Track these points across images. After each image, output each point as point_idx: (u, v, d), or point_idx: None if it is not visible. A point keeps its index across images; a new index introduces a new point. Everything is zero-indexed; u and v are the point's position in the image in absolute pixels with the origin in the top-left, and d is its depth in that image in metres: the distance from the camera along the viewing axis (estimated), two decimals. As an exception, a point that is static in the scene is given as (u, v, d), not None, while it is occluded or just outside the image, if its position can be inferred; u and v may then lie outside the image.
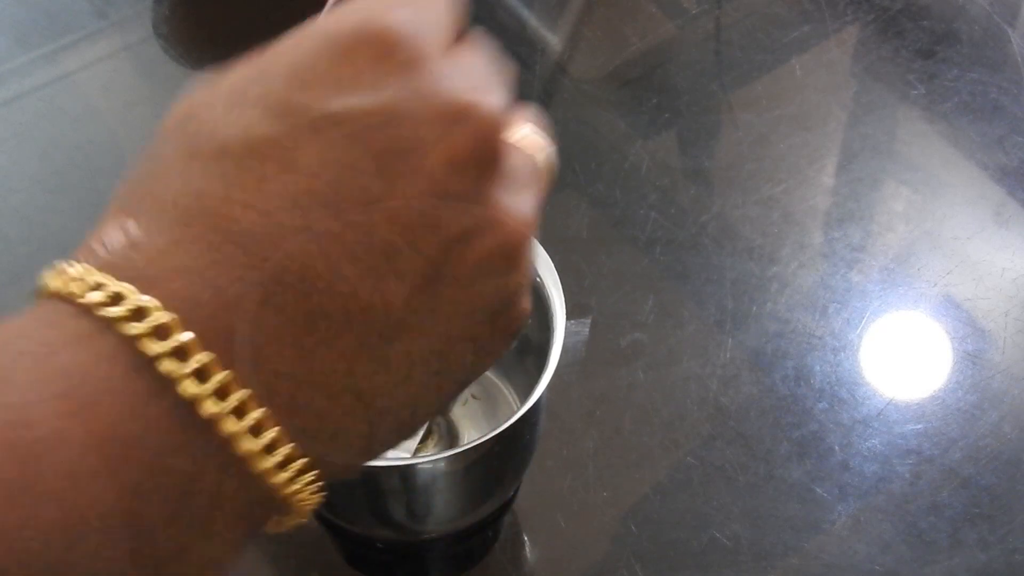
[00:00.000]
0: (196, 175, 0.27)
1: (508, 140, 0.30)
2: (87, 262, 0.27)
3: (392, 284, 0.27)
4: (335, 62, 0.28)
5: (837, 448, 0.66)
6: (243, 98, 0.28)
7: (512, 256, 0.29)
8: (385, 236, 0.27)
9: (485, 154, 0.28)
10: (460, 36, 0.31)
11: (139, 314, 0.26)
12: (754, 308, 0.73)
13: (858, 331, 0.72)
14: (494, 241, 0.29)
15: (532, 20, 0.91)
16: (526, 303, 0.31)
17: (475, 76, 0.29)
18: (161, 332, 0.25)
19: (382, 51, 0.28)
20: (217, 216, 0.27)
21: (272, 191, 0.27)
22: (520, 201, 0.30)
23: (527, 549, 0.63)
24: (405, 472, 0.53)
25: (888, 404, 0.68)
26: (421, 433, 0.60)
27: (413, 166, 0.27)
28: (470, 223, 0.28)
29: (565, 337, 0.54)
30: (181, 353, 0.26)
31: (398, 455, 0.59)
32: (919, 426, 0.67)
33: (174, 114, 0.29)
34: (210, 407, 0.26)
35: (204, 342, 0.26)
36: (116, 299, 0.26)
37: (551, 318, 0.55)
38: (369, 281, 0.27)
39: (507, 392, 0.64)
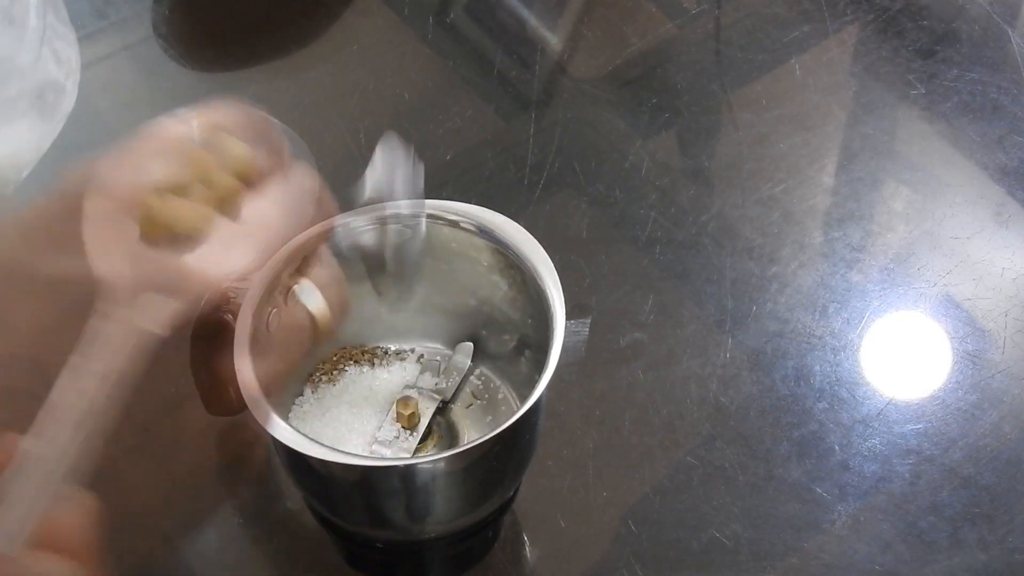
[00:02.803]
0: None
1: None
2: None
3: None
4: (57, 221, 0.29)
5: (837, 448, 0.66)
6: None
7: None
8: None
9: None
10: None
11: None
12: (754, 308, 0.73)
13: (858, 331, 0.72)
14: None
15: (532, 20, 0.91)
16: None
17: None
18: None
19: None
20: None
21: None
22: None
23: (527, 549, 0.63)
24: (405, 472, 0.53)
25: (888, 404, 0.68)
26: (421, 433, 0.60)
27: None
28: None
29: (565, 337, 0.54)
30: None
31: (398, 455, 0.59)
32: (919, 426, 0.67)
33: None
34: None
35: None
36: None
37: (551, 318, 0.55)
38: None
39: (507, 392, 0.64)
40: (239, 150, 0.38)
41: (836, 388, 0.69)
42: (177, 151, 0.36)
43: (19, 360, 0.29)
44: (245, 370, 0.53)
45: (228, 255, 0.36)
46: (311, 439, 0.50)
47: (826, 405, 0.68)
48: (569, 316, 0.55)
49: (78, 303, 0.29)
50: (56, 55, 0.50)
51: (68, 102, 0.50)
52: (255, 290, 0.56)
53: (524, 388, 0.61)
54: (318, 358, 0.63)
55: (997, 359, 0.70)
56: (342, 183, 0.80)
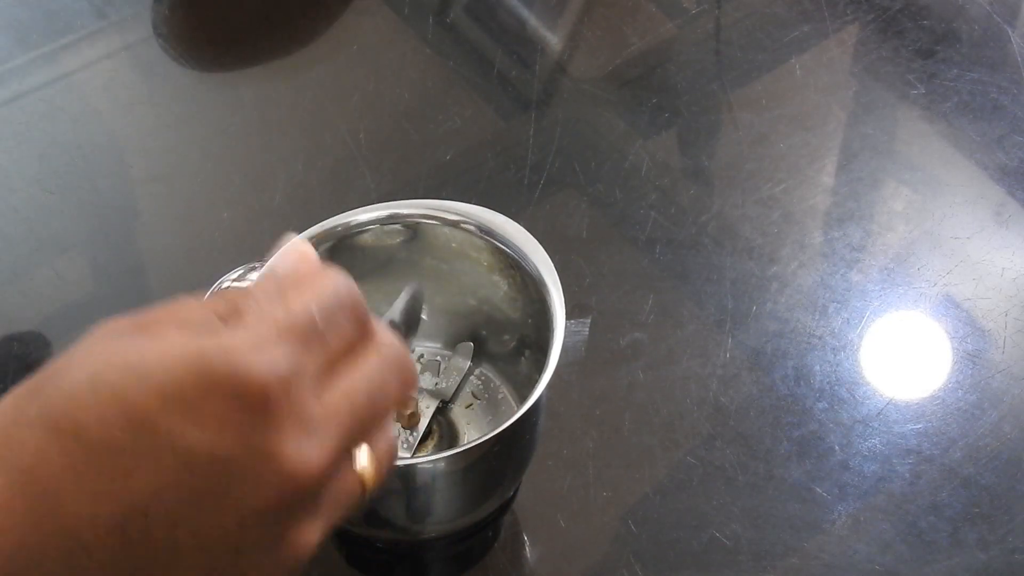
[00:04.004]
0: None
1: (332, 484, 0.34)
2: None
3: None
4: (198, 396, 0.31)
5: (837, 448, 0.66)
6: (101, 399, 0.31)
7: None
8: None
9: (292, 510, 0.33)
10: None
11: None
12: (754, 308, 0.73)
13: (858, 331, 0.72)
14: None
15: (532, 20, 0.91)
16: None
17: (329, 428, 0.33)
18: None
19: (241, 400, 0.31)
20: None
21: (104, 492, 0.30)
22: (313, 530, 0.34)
23: (527, 549, 0.63)
24: (405, 472, 0.53)
25: (888, 404, 0.68)
26: (421, 433, 0.60)
27: (225, 507, 0.31)
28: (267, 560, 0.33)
29: (565, 337, 0.54)
30: None
31: (398, 455, 0.59)
32: (919, 426, 0.67)
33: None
34: None
35: None
36: None
37: (551, 318, 0.55)
38: None
39: (507, 392, 0.64)
40: None
41: (836, 388, 0.69)
42: None
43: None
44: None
45: None
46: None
47: (826, 405, 0.68)
48: (569, 316, 0.55)
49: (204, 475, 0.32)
50: None
51: None
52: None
53: (524, 388, 0.61)
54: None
55: (997, 359, 0.70)
56: (342, 183, 0.81)
